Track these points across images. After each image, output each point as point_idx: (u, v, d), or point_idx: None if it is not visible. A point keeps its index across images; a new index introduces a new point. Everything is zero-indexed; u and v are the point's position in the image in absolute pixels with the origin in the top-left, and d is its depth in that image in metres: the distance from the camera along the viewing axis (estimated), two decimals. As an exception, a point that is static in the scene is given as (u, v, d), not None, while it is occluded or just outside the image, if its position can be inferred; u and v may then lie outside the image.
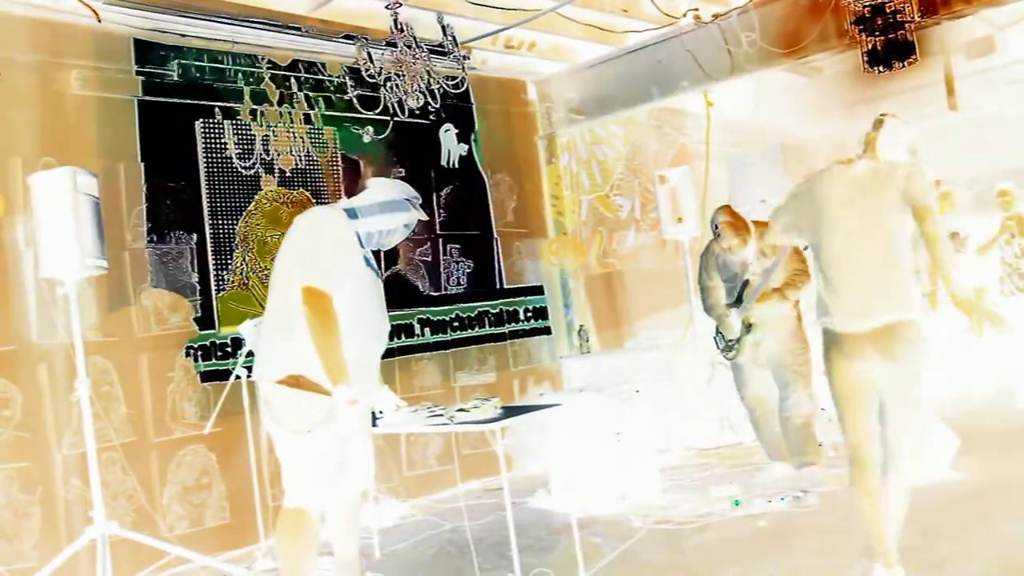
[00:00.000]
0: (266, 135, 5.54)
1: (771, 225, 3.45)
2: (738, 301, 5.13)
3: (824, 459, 5.11)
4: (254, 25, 5.34)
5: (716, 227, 5.14)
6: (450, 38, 4.91)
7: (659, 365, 6.16)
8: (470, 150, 6.72)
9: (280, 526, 3.37)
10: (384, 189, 3.51)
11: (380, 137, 6.03)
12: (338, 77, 5.78)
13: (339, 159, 5.90)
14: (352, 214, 3.38)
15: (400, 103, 4.61)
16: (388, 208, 3.44)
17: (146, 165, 4.99)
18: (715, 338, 5.37)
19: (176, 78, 5.17)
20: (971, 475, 4.61)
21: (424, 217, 3.60)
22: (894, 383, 3.05)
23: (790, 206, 3.34)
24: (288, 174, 5.63)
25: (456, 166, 6.62)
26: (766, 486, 4.94)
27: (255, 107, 5.51)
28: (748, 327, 5.10)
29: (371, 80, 4.66)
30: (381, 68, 4.55)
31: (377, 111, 5.17)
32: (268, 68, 5.59)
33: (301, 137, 5.71)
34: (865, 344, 3.03)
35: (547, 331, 7.01)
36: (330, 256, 3.22)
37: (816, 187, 3.21)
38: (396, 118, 5.91)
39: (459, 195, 6.61)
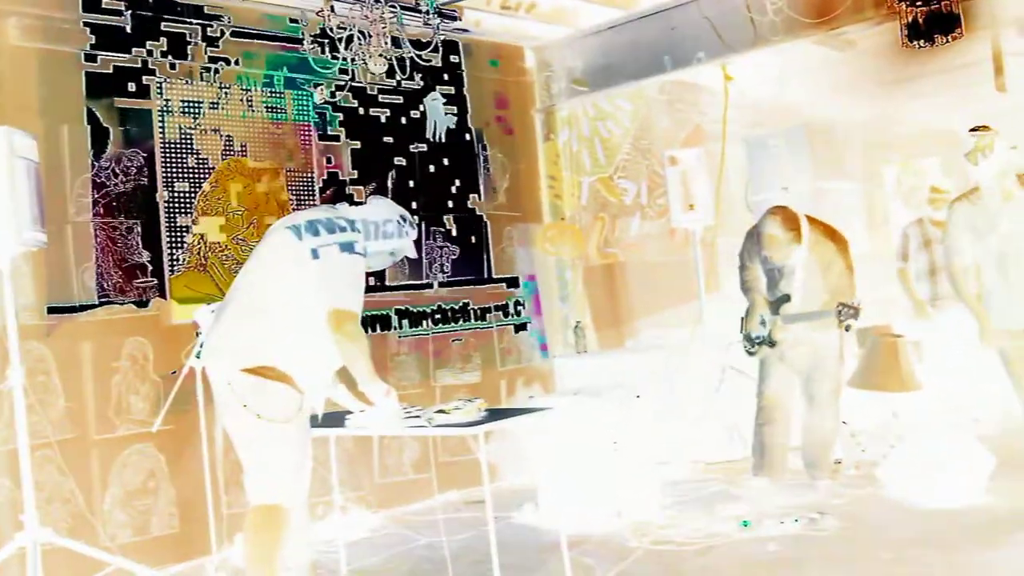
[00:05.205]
0: (218, 98, 5.44)
1: None
2: (774, 306, 5.27)
3: (839, 475, 5.30)
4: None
5: (760, 235, 5.18)
6: (425, -1, 4.82)
7: (663, 368, 6.20)
8: (459, 122, 6.66)
9: (253, 524, 3.53)
10: (384, 210, 3.80)
11: (334, 100, 5.88)
12: (300, 35, 5.70)
13: (308, 126, 5.83)
14: (353, 227, 3.65)
15: (364, 66, 4.56)
16: (384, 234, 3.75)
17: (93, 128, 4.92)
18: (743, 318, 5.49)
19: (128, 31, 5.09)
20: (1007, 499, 4.62)
21: (413, 255, 3.91)
22: None
23: None
24: (249, 142, 5.55)
25: (442, 139, 6.55)
26: (749, 501, 5.03)
27: (213, 66, 5.43)
28: (772, 343, 5.25)
29: (333, 36, 4.57)
30: (345, 24, 4.46)
31: (332, 71, 5.08)
32: (230, 24, 5.51)
33: (263, 102, 5.64)
34: None
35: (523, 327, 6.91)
36: (350, 275, 3.57)
37: None
38: (378, 83, 5.85)
39: (444, 172, 6.55)
